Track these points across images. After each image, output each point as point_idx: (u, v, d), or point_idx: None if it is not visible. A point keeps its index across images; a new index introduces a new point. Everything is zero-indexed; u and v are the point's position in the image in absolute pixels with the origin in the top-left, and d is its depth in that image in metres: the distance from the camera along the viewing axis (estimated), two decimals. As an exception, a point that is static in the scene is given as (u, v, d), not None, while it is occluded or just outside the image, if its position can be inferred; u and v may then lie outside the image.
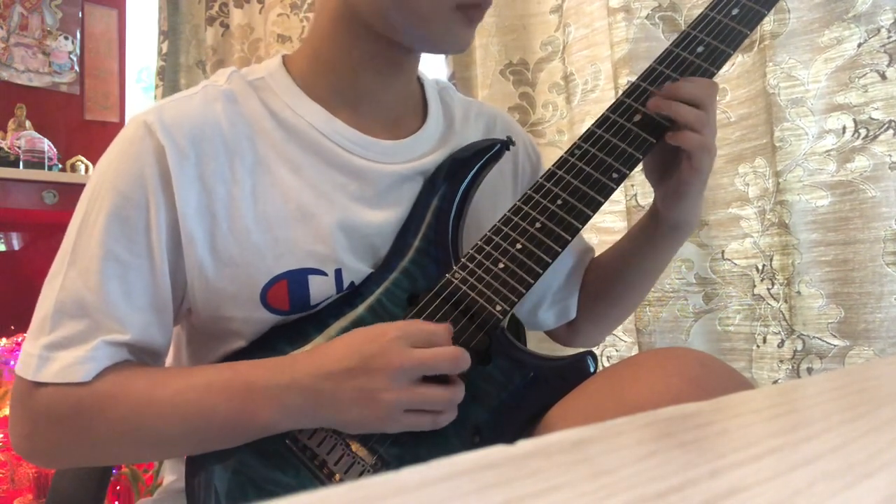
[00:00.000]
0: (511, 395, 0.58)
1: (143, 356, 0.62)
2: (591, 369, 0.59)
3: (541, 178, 0.63)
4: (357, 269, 0.65)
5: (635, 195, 1.18)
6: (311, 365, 0.55)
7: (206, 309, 0.63)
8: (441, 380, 0.54)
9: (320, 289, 0.63)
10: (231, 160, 0.63)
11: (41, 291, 0.61)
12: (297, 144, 0.66)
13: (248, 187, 0.63)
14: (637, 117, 0.62)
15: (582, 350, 0.60)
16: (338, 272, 0.64)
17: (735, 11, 0.64)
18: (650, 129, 0.62)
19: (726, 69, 1.13)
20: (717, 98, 1.15)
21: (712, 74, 0.63)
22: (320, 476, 0.57)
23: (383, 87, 0.68)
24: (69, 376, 0.57)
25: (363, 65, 0.67)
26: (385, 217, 0.67)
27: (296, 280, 0.62)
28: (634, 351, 1.22)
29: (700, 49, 0.64)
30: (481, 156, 0.70)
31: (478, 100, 0.88)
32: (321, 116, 0.67)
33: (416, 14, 0.62)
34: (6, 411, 1.61)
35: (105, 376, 0.58)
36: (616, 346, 1.27)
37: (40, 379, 0.58)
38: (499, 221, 0.63)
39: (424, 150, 0.71)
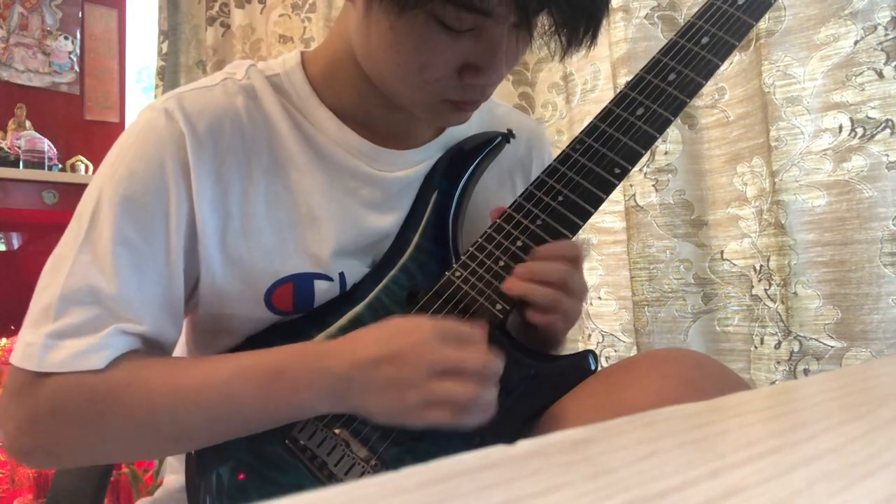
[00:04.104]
0: (512, 394, 0.58)
1: (153, 350, 0.61)
2: (592, 367, 0.59)
3: (542, 174, 0.63)
4: (362, 273, 0.65)
5: (633, 195, 1.18)
6: (343, 351, 0.55)
7: (209, 305, 0.63)
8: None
9: (325, 293, 0.63)
10: (248, 158, 0.62)
11: (40, 280, 0.58)
12: (310, 149, 0.65)
13: (263, 187, 0.62)
14: (640, 111, 0.62)
15: (583, 349, 0.60)
16: (341, 275, 0.64)
17: (741, 1, 0.63)
18: (653, 122, 0.61)
19: (724, 67, 1.14)
20: (717, 97, 1.16)
21: (716, 66, 0.62)
22: (320, 477, 0.57)
23: (393, 112, 0.67)
24: (81, 364, 0.54)
25: (371, 97, 0.65)
26: (394, 220, 0.67)
27: (301, 284, 0.62)
28: (633, 351, 1.22)
29: (705, 40, 0.63)
30: (481, 149, 0.70)
31: (515, 110, 0.86)
32: (332, 124, 0.66)
33: (405, 100, 0.61)
34: (5, 411, 1.60)
35: (118, 364, 0.56)
36: (615, 346, 1.27)
37: (46, 368, 0.54)
38: (500, 218, 0.62)
39: (438, 155, 0.71)
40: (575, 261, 0.60)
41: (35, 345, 0.55)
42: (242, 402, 0.55)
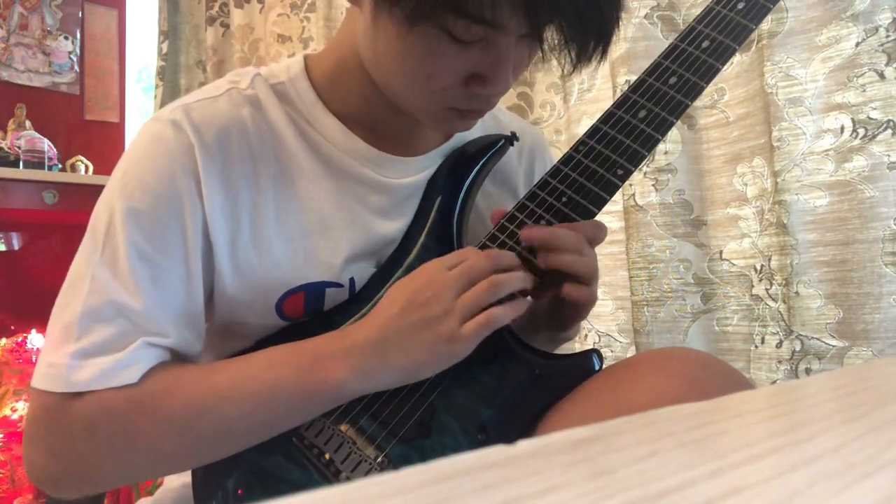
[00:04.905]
0: (516, 392, 0.58)
1: (179, 362, 0.60)
2: (596, 367, 0.59)
3: (545, 175, 0.63)
4: (370, 276, 0.65)
5: (633, 195, 1.18)
6: (365, 326, 0.55)
7: (220, 314, 0.63)
8: None
9: (335, 299, 0.64)
10: (256, 167, 0.62)
11: (57, 301, 0.57)
12: (317, 158, 0.65)
13: (271, 197, 0.62)
14: (642, 113, 0.62)
15: (587, 349, 0.61)
16: (351, 281, 0.64)
17: (741, 5, 0.64)
18: (655, 125, 0.62)
19: (724, 68, 1.14)
20: (717, 98, 1.15)
21: (717, 69, 0.63)
22: (326, 474, 0.57)
23: (399, 116, 0.66)
24: (113, 380, 0.54)
25: (377, 102, 0.65)
26: (402, 226, 0.67)
27: (313, 292, 0.62)
28: (631, 351, 1.22)
29: (705, 44, 0.64)
30: (484, 152, 0.70)
31: (519, 118, 0.86)
32: (338, 132, 0.66)
33: (411, 107, 0.62)
34: (6, 411, 1.61)
35: (151, 375, 0.55)
36: (611, 346, 1.27)
37: (74, 388, 0.53)
38: (503, 219, 0.63)
39: (441, 162, 0.71)
40: (593, 241, 0.61)
41: (60, 365, 0.54)
42: (281, 389, 0.55)
